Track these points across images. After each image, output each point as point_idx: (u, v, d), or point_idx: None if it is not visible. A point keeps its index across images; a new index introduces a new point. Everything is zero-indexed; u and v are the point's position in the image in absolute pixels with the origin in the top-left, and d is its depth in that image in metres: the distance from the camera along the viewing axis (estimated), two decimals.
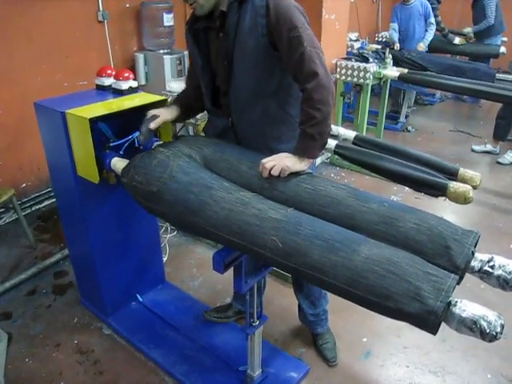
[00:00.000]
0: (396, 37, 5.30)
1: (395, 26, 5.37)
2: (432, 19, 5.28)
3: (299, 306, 2.23)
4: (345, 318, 2.44)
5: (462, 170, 1.82)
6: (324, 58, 1.54)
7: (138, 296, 2.51)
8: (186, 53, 4.05)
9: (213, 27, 1.67)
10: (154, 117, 1.78)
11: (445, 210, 3.49)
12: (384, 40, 6.27)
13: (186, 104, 1.91)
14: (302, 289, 2.15)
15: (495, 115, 4.71)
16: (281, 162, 1.50)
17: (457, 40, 5.71)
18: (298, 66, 1.51)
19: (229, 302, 2.47)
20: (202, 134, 3.10)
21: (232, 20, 1.58)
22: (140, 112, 2.08)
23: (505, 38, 5.83)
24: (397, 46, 5.12)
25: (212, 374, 2.08)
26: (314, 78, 1.49)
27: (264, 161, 1.51)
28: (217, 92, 1.78)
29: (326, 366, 2.19)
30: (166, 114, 1.81)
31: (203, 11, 1.61)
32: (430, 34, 5.32)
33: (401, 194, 3.81)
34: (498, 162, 4.57)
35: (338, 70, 4.24)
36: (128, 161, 1.73)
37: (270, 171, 1.49)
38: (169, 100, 2.14)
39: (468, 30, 5.71)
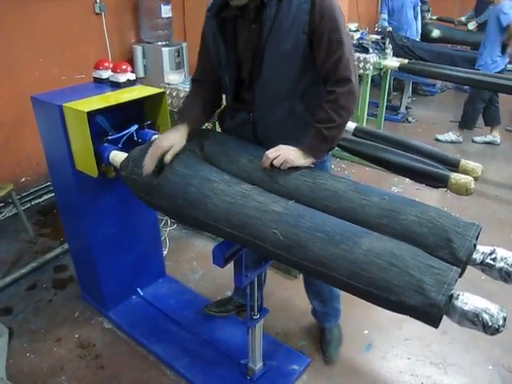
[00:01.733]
0: (386, 24, 5.44)
1: (385, 16, 5.54)
2: (418, 8, 5.44)
3: (311, 304, 2.22)
4: (346, 311, 2.42)
5: (463, 161, 1.81)
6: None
7: (138, 290, 2.51)
8: (185, 44, 4.03)
9: (245, 17, 1.54)
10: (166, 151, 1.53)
11: (445, 202, 3.48)
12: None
13: (197, 118, 1.71)
14: (312, 288, 2.13)
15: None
16: (285, 153, 1.47)
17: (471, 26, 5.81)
18: (333, 69, 1.49)
19: (229, 295, 2.46)
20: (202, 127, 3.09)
21: (270, 13, 1.46)
22: (138, 105, 2.08)
23: None
24: (389, 29, 5.17)
25: (213, 367, 2.08)
26: (346, 84, 1.48)
27: (268, 152, 1.48)
28: (240, 85, 1.66)
29: None
30: (179, 142, 1.56)
31: (241, 2, 1.48)
32: (419, 23, 5.47)
33: (401, 186, 3.80)
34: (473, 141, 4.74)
35: None
36: (127, 154, 1.72)
37: (271, 162, 1.47)
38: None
39: (473, 22, 5.69)
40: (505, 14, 4.22)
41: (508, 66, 4.57)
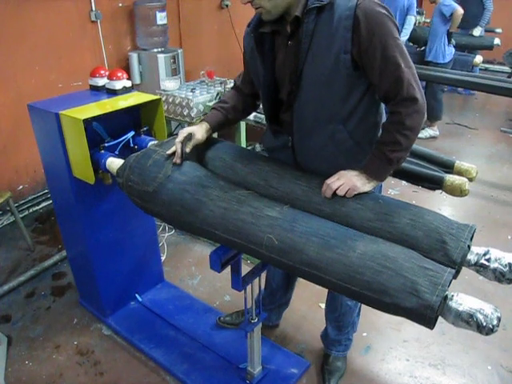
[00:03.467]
0: None
1: None
2: (411, 17, 5.22)
3: (325, 326, 2.12)
4: None
5: (457, 163, 1.82)
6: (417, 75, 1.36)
7: (137, 296, 2.51)
8: (180, 51, 4.04)
9: (282, 32, 1.43)
10: (188, 137, 1.61)
11: (442, 203, 3.50)
12: None
13: (223, 120, 1.71)
14: (333, 313, 2.01)
15: (491, 107, 4.74)
16: (349, 181, 1.38)
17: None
18: (394, 90, 1.34)
19: (228, 299, 2.47)
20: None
21: (307, 28, 1.33)
22: (134, 111, 2.09)
23: (499, 30, 5.84)
24: None
25: (212, 371, 2.08)
26: (412, 103, 1.34)
27: (329, 181, 1.39)
28: (277, 106, 1.55)
29: None
30: (198, 134, 1.63)
31: (270, 17, 1.37)
32: (409, 29, 5.33)
33: (398, 188, 3.82)
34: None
35: None
36: (123, 161, 1.72)
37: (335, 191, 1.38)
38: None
39: (477, 29, 5.74)
40: (446, 6, 4.64)
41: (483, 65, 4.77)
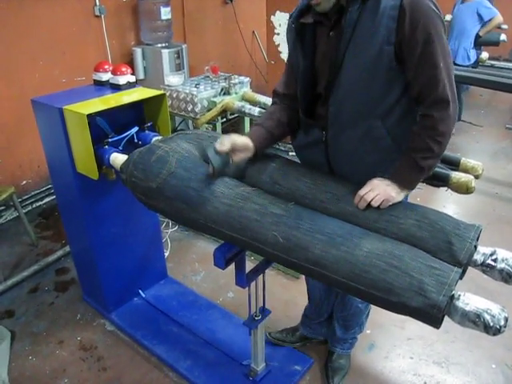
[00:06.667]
0: None
1: None
2: None
3: (333, 323, 2.07)
4: None
5: (463, 160, 1.81)
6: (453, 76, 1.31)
7: (140, 292, 2.51)
8: (184, 46, 4.03)
9: (324, 23, 1.38)
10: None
11: (447, 200, 3.48)
12: None
13: (268, 137, 1.56)
14: (341, 313, 1.97)
15: (496, 104, 4.70)
16: (384, 192, 1.34)
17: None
18: (427, 89, 1.29)
19: (231, 296, 2.46)
20: (202, 129, 3.10)
21: (351, 18, 1.27)
22: (138, 107, 2.08)
23: (505, 26, 5.78)
24: None
25: (216, 368, 2.08)
26: (444, 107, 1.29)
27: (362, 192, 1.34)
28: (314, 100, 1.49)
29: None
30: (250, 146, 1.49)
31: (329, 5, 1.31)
32: None
33: None
34: None
35: None
36: (127, 156, 1.72)
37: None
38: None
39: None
40: (487, 8, 4.41)
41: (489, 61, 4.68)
